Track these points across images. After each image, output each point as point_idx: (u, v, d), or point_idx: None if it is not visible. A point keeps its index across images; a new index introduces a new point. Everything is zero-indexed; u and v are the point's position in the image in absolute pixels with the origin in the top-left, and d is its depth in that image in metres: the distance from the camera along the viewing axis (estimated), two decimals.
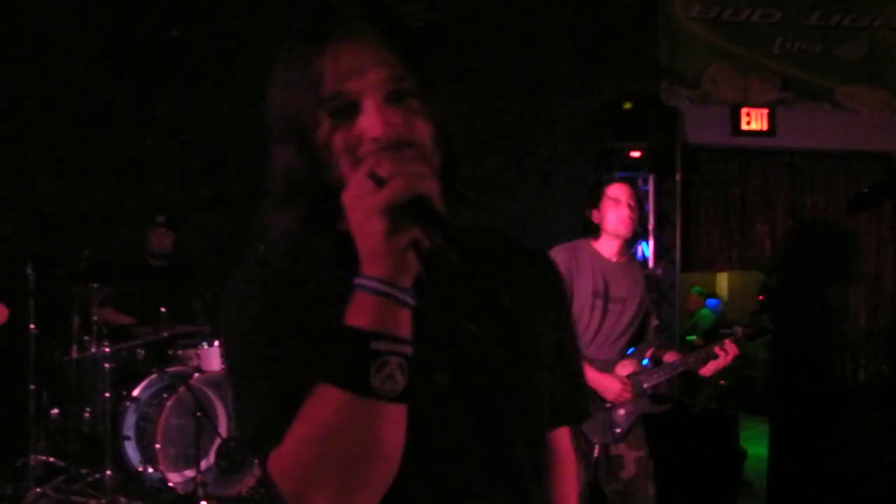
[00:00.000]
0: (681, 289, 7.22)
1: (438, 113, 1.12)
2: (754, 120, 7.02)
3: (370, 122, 1.05)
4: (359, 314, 0.97)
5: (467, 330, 1.12)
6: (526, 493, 1.16)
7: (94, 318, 4.49)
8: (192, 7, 6.31)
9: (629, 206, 3.43)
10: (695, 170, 7.09)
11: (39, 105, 5.81)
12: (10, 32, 5.72)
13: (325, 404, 0.97)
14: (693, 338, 8.46)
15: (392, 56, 1.07)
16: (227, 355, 1.17)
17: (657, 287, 6.79)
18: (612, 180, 3.61)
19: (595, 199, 3.49)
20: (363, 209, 0.96)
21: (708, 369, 3.37)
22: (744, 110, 6.98)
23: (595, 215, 3.49)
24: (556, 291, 1.31)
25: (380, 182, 0.96)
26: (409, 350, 0.98)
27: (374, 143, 1.04)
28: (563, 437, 1.35)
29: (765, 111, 7.00)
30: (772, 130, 7.01)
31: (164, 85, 6.19)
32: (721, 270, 7.37)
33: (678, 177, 6.90)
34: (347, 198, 0.99)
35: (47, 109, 5.83)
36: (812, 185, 7.30)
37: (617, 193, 3.44)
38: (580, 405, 1.36)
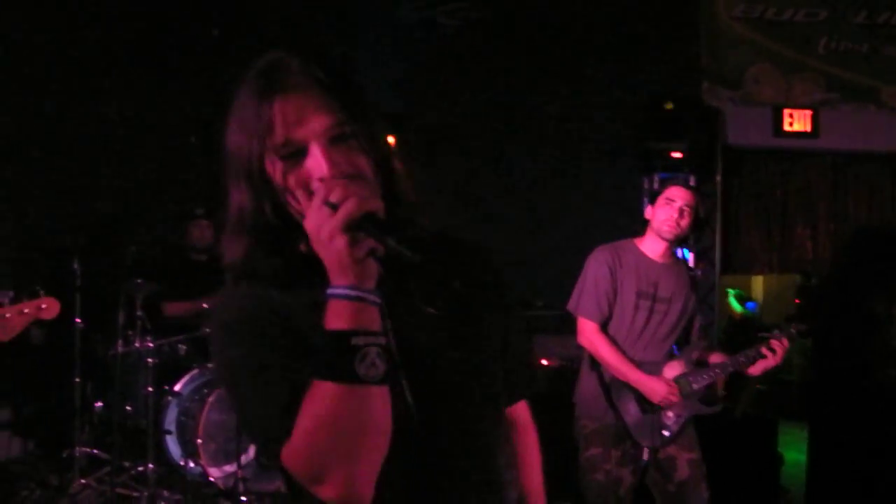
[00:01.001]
0: (725, 296, 7.17)
1: (377, 147, 1.27)
2: (797, 121, 6.93)
3: (317, 163, 1.21)
4: (337, 318, 1.16)
5: (426, 314, 1.30)
6: (494, 460, 1.35)
7: (139, 313, 4.53)
8: (235, 6, 6.36)
9: (680, 209, 3.38)
10: (736, 171, 7.02)
11: (85, 103, 5.88)
12: (57, 32, 5.80)
13: (322, 397, 1.15)
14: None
15: (332, 104, 1.23)
16: (222, 376, 1.30)
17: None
18: (674, 181, 3.54)
19: (654, 196, 3.49)
20: (325, 231, 1.15)
21: (757, 369, 3.33)
22: (786, 111, 6.90)
23: (649, 211, 3.48)
24: (498, 280, 1.49)
25: (334, 207, 1.14)
26: (383, 340, 1.18)
27: (322, 182, 1.20)
28: (521, 411, 1.56)
29: (808, 112, 6.91)
30: (815, 132, 6.92)
31: (205, 82, 6.25)
32: (761, 273, 7.27)
33: (718, 178, 6.84)
34: (309, 225, 1.17)
35: (92, 108, 5.91)
36: (856, 188, 7.19)
37: (673, 194, 3.40)
38: (531, 382, 1.56)
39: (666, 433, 3.33)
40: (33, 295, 2.81)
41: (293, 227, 1.25)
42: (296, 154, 1.23)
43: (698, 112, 6.52)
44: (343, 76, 1.26)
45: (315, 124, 1.22)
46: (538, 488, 1.55)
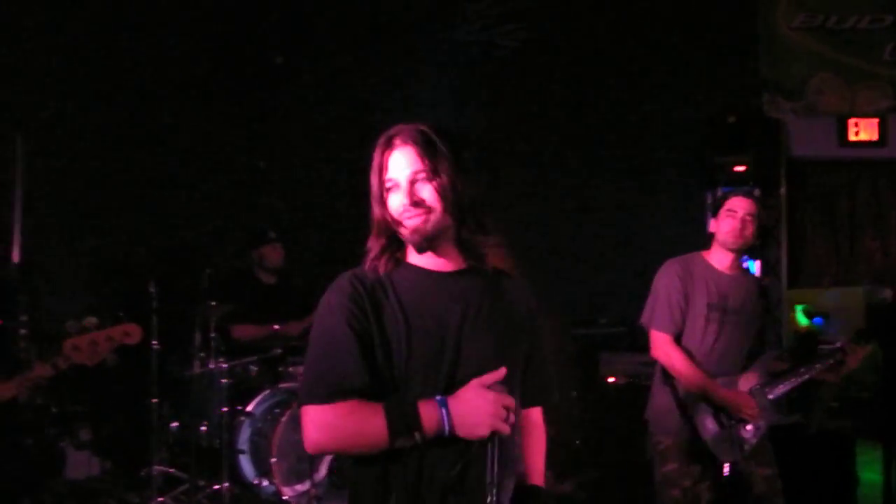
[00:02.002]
0: (792, 310, 7.02)
1: (447, 185, 1.76)
2: (863, 130, 6.81)
3: (399, 200, 1.79)
4: (427, 417, 1.67)
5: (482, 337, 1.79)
6: (507, 446, 1.76)
7: (213, 335, 4.64)
8: (297, 34, 6.52)
9: (743, 219, 3.37)
10: (800, 183, 6.91)
11: (158, 133, 6.08)
12: (127, 64, 6.01)
13: (372, 425, 1.66)
14: None
15: (418, 157, 1.77)
16: (311, 336, 1.79)
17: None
18: (735, 192, 3.54)
19: (716, 208, 3.48)
20: (483, 422, 1.66)
21: (835, 375, 3.28)
22: (851, 121, 6.79)
23: (713, 225, 3.48)
24: (531, 309, 1.95)
25: (508, 415, 1.70)
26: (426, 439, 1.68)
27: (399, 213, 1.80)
28: (535, 413, 2.03)
29: (874, 121, 6.79)
30: (882, 140, 6.78)
31: (271, 109, 6.42)
32: (828, 286, 7.12)
33: (783, 190, 6.74)
34: (472, 397, 1.70)
35: (165, 137, 6.10)
36: None
37: (735, 205, 3.40)
38: (545, 393, 2.00)
39: (745, 447, 3.29)
40: (117, 321, 2.90)
41: (390, 233, 1.84)
42: (394, 185, 1.81)
43: (761, 125, 6.48)
44: (432, 144, 1.77)
45: (405, 170, 1.78)
46: (539, 468, 2.00)
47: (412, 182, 1.76)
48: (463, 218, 1.80)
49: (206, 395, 4.77)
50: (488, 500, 1.66)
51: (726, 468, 3.30)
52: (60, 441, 5.04)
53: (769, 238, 6.65)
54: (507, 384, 1.71)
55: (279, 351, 4.89)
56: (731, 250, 3.41)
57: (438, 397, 1.67)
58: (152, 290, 4.51)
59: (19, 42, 5.55)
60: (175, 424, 4.88)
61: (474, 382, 1.68)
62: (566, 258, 6.74)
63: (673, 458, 3.34)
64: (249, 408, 4.71)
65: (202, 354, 4.82)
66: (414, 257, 1.83)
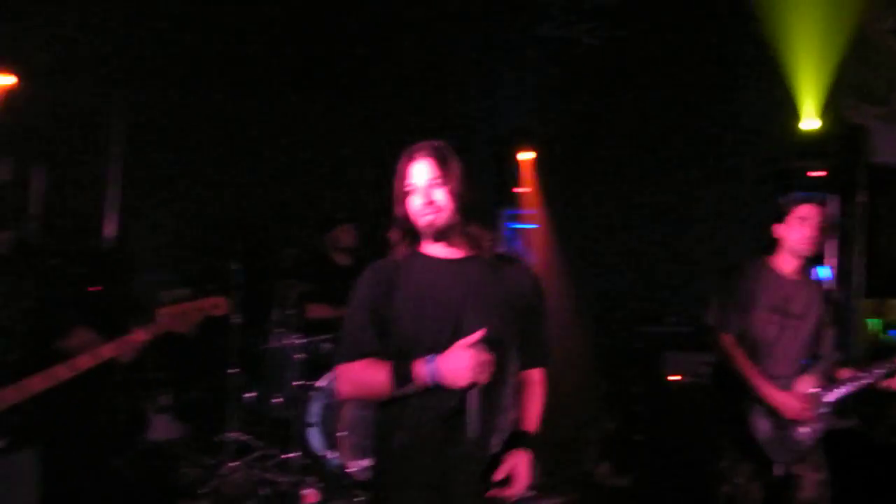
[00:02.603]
0: (862, 316, 6.90)
1: (456, 190, 2.24)
2: None
3: (417, 201, 2.25)
4: (420, 371, 2.11)
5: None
6: (498, 393, 2.21)
7: (291, 311, 4.88)
8: (380, 27, 6.72)
9: (816, 227, 3.40)
10: (882, 191, 6.76)
11: (243, 120, 6.37)
12: (219, 51, 6.30)
13: (380, 376, 2.13)
14: None
15: (434, 167, 2.24)
16: (348, 308, 2.31)
17: (836, 313, 6.53)
18: (803, 199, 3.52)
19: (781, 214, 3.48)
20: (462, 371, 2.06)
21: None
22: None
23: (777, 230, 3.49)
24: (534, 288, 2.37)
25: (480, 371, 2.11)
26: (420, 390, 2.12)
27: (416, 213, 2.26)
28: (535, 373, 2.41)
29: None
30: None
31: (351, 100, 6.64)
32: None
33: (862, 198, 6.61)
34: (456, 354, 2.12)
35: (250, 124, 6.39)
36: None
37: (806, 213, 3.42)
38: (542, 357, 2.42)
39: (798, 449, 3.33)
40: (207, 293, 3.13)
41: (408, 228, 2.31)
42: (411, 192, 2.27)
43: (841, 130, 6.37)
44: (445, 158, 2.25)
45: (423, 176, 2.25)
46: (533, 417, 2.35)
47: (429, 187, 2.22)
48: (468, 215, 2.26)
49: (280, 369, 5.02)
50: (468, 431, 2.10)
51: (777, 469, 3.35)
52: (143, 405, 5.37)
53: (846, 246, 6.56)
54: (494, 346, 2.11)
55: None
56: (802, 257, 3.45)
57: (429, 356, 2.09)
58: (234, 267, 4.76)
59: (119, 29, 5.88)
60: (250, 395, 5.14)
61: (457, 343, 2.08)
62: (635, 257, 6.79)
63: (726, 455, 3.42)
64: (321, 383, 4.94)
65: (279, 330, 5.07)
66: (427, 247, 2.30)
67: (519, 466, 2.23)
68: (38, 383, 2.81)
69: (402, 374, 2.11)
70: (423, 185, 2.24)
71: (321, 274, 5.39)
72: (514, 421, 2.32)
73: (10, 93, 4.96)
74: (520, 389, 2.36)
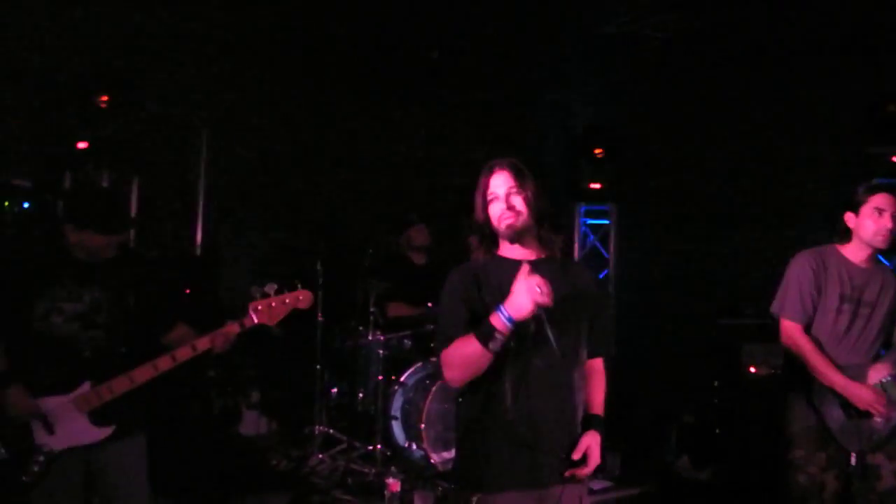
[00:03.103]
0: None
1: (531, 197, 2.52)
2: None
3: (498, 206, 2.53)
4: (495, 320, 2.31)
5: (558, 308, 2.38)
6: (570, 378, 2.49)
7: (372, 309, 5.08)
8: (452, 30, 6.88)
9: (892, 218, 3.38)
10: None
11: (322, 124, 6.66)
12: (301, 63, 6.56)
13: (470, 345, 2.33)
14: None
15: (511, 178, 2.53)
16: (440, 305, 2.54)
17: None
18: (879, 188, 3.49)
19: (856, 203, 3.47)
20: (526, 297, 2.28)
21: None
22: None
23: (850, 219, 3.48)
24: (593, 285, 2.68)
25: (541, 293, 2.30)
26: (509, 339, 2.33)
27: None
28: (597, 363, 2.66)
29: None
30: None
31: (425, 101, 6.82)
32: None
33: None
34: (519, 285, 2.31)
35: (329, 128, 6.65)
36: None
37: (882, 203, 3.40)
38: (606, 347, 2.68)
39: (874, 438, 3.34)
40: (293, 288, 3.32)
41: (490, 235, 2.58)
42: (494, 198, 2.53)
43: None
44: (521, 170, 2.54)
45: (503, 188, 2.53)
46: (598, 402, 2.61)
47: (508, 195, 2.51)
48: (541, 220, 2.55)
49: (363, 365, 5.23)
50: (552, 346, 2.36)
51: (854, 458, 3.36)
52: (236, 400, 5.65)
53: None
54: (569, 332, 2.47)
55: (431, 327, 5.28)
56: (874, 248, 3.44)
57: (498, 306, 2.34)
58: (319, 268, 4.99)
59: (205, 41, 6.19)
60: (335, 390, 5.37)
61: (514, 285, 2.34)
62: (716, 249, 6.76)
63: (800, 445, 3.44)
64: (402, 378, 5.12)
65: (361, 328, 5.28)
66: (504, 250, 2.58)
67: (593, 446, 2.47)
68: (143, 374, 3.08)
69: (484, 332, 2.31)
70: (503, 193, 2.52)
71: (398, 273, 5.58)
72: (584, 405, 2.56)
73: (106, 108, 5.29)
74: (587, 376, 2.61)
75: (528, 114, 7.13)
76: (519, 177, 2.53)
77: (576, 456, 2.43)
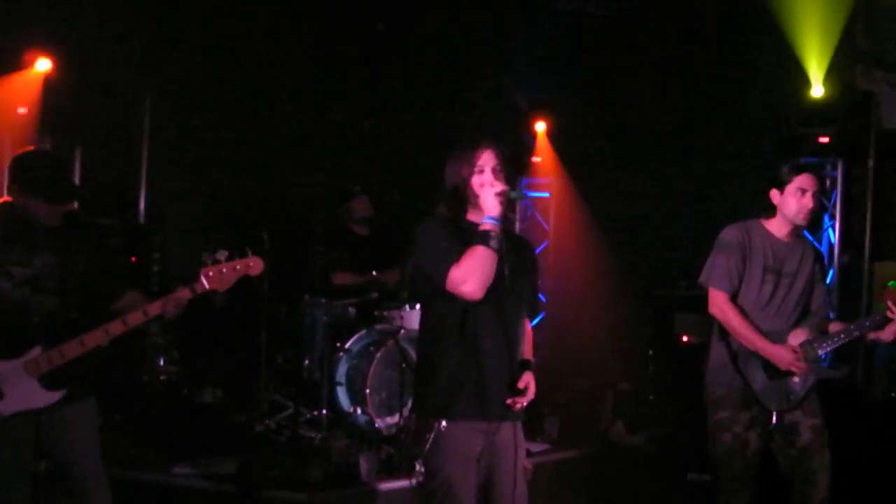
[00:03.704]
0: (874, 281, 7.06)
1: (509, 172, 2.87)
2: None
3: (490, 177, 2.80)
4: (486, 226, 2.70)
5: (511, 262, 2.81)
6: (518, 340, 2.86)
7: (318, 278, 5.16)
8: (400, 4, 6.95)
9: (813, 197, 3.60)
10: (890, 156, 6.90)
11: (272, 95, 6.67)
12: (244, 32, 6.54)
13: (475, 251, 2.66)
14: None
15: (497, 155, 2.84)
16: (421, 249, 2.79)
17: (843, 276, 6.75)
18: (803, 168, 3.70)
19: (781, 182, 3.66)
20: (491, 195, 2.72)
21: (887, 333, 3.51)
22: None
23: (775, 196, 3.68)
24: (534, 257, 3.11)
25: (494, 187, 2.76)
26: (499, 236, 2.71)
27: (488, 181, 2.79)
28: (527, 322, 2.98)
29: None
30: None
31: (372, 74, 6.88)
32: None
33: (870, 163, 6.76)
34: (484, 195, 2.74)
35: (278, 100, 6.69)
36: None
37: (805, 183, 3.61)
38: (533, 312, 3.00)
39: (792, 397, 3.58)
40: (243, 255, 3.36)
41: (462, 201, 2.85)
42: (480, 171, 2.82)
43: (849, 96, 6.52)
44: (503, 148, 2.87)
45: (491, 161, 2.83)
46: (529, 351, 2.98)
47: (494, 170, 2.82)
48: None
49: (308, 333, 5.32)
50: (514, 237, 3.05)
51: (773, 417, 3.60)
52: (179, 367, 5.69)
53: (853, 210, 6.73)
54: (515, 294, 2.82)
55: (375, 295, 5.39)
56: (797, 225, 3.67)
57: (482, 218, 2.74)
58: (265, 236, 5.03)
59: (153, 14, 6.14)
60: (281, 358, 5.45)
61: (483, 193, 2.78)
62: (651, 223, 7.01)
63: (725, 406, 3.66)
64: (347, 345, 5.23)
65: (306, 296, 5.36)
66: (472, 215, 2.85)
67: (530, 382, 2.83)
68: (95, 338, 3.09)
69: (481, 238, 2.69)
70: (490, 168, 2.81)
71: (342, 243, 5.67)
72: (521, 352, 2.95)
73: (49, 76, 5.24)
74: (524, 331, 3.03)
75: (472, 88, 7.24)
76: (502, 157, 2.86)
77: (521, 385, 2.78)
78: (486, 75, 7.03)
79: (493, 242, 2.70)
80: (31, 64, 5.43)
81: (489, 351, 2.78)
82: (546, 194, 7.64)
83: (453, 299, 2.74)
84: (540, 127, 7.41)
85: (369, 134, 6.87)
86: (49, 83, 5.36)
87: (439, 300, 2.80)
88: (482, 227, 2.72)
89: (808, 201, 3.61)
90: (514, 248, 2.89)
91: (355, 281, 5.56)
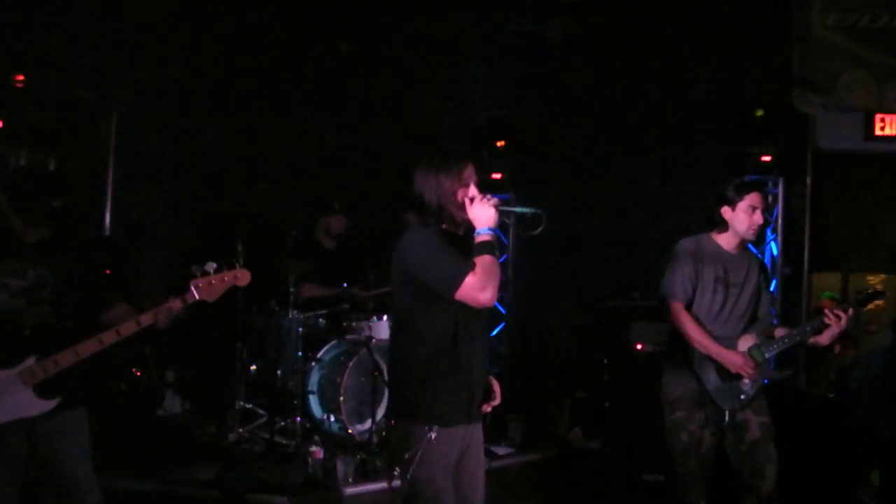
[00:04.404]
0: (813, 293, 7.49)
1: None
2: (889, 125, 7.20)
3: (474, 191, 2.87)
4: (484, 237, 2.81)
5: None
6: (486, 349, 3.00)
7: (291, 289, 5.31)
8: (361, 24, 7.16)
9: (761, 214, 3.92)
10: (826, 174, 7.35)
11: (243, 112, 6.83)
12: (214, 51, 6.69)
13: (487, 260, 2.77)
14: None
15: (477, 169, 2.91)
16: (424, 258, 2.80)
17: (784, 286, 7.16)
18: (753, 187, 4.00)
19: (731, 200, 3.95)
20: (485, 209, 2.82)
21: (824, 338, 3.85)
22: (878, 116, 7.17)
23: (726, 212, 3.98)
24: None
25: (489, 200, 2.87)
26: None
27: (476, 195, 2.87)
28: None
29: None
30: None
31: (335, 92, 7.08)
32: (849, 272, 7.58)
33: (808, 181, 7.19)
34: (476, 207, 2.83)
35: (249, 117, 6.86)
36: None
37: (755, 201, 3.91)
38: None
39: (743, 398, 3.88)
40: (231, 266, 3.48)
41: (448, 214, 2.89)
42: (466, 186, 2.87)
43: (789, 118, 6.93)
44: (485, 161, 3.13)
45: (474, 175, 2.90)
46: None
47: (477, 185, 2.93)
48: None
49: (281, 343, 5.46)
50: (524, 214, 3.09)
51: (726, 416, 3.89)
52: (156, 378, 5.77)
53: (793, 224, 7.15)
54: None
55: (347, 306, 5.58)
56: (746, 240, 3.98)
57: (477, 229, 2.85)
58: (239, 248, 5.16)
59: (117, 23, 6.22)
60: (253, 367, 5.58)
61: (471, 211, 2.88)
62: (609, 238, 7.31)
63: (681, 407, 3.95)
64: (319, 354, 5.40)
65: (278, 307, 5.52)
66: (451, 227, 2.93)
67: (497, 386, 3.09)
68: (89, 348, 3.16)
69: (485, 248, 2.79)
70: (474, 182, 2.89)
71: (311, 256, 5.81)
72: None
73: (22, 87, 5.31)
74: None
75: (435, 106, 7.48)
76: (481, 172, 2.96)
77: (496, 390, 3.06)
78: (451, 94, 7.28)
79: (496, 252, 2.82)
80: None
81: (473, 358, 2.90)
82: (509, 209, 7.87)
83: (447, 308, 2.81)
84: (501, 144, 7.66)
85: (338, 151, 7.06)
86: (23, 94, 5.41)
87: (435, 309, 2.83)
88: (482, 238, 2.82)
89: (758, 218, 3.92)
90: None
91: (325, 293, 5.73)
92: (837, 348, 6.19)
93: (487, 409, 2.99)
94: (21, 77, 5.33)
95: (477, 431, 2.98)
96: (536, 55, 7.33)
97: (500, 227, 7.57)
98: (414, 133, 7.21)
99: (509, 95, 7.31)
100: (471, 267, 2.77)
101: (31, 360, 3.13)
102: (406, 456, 2.79)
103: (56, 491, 3.30)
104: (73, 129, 6.13)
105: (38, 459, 3.23)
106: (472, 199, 2.86)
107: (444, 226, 2.92)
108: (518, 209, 2.97)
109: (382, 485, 4.44)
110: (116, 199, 6.39)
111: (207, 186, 6.67)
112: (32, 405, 3.15)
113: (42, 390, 3.15)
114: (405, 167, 3.02)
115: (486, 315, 2.98)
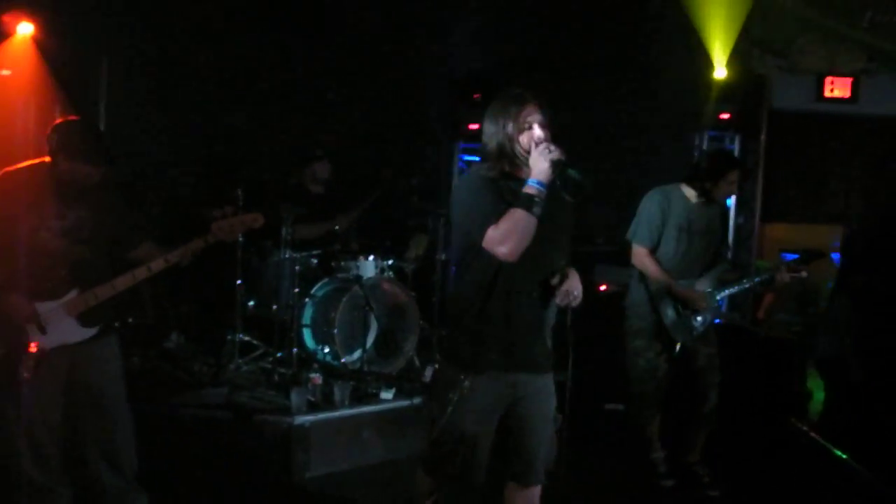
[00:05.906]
0: (763, 241, 8.06)
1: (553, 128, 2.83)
2: (838, 88, 7.68)
3: (539, 133, 2.79)
4: (531, 189, 2.69)
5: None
6: (549, 301, 2.91)
7: (289, 230, 5.67)
8: None
9: (739, 187, 4.46)
10: (779, 133, 7.85)
11: (242, 72, 7.11)
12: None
13: (517, 214, 2.66)
14: None
15: (541, 109, 2.83)
16: (461, 205, 2.84)
17: (738, 235, 7.72)
18: (733, 165, 4.50)
19: (716, 176, 4.41)
20: (543, 159, 2.70)
21: (770, 290, 4.43)
22: (828, 79, 7.65)
23: (707, 183, 4.44)
24: (572, 219, 3.00)
25: (549, 152, 2.73)
26: (543, 202, 2.70)
27: (540, 139, 2.77)
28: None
29: (849, 80, 7.65)
30: (854, 98, 7.67)
31: (325, 40, 7.32)
32: (797, 222, 8.14)
33: (763, 138, 7.70)
34: (536, 155, 2.73)
35: (248, 74, 7.13)
36: (892, 150, 7.95)
37: (735, 177, 4.46)
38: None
39: (695, 332, 4.45)
40: (247, 210, 3.85)
41: (511, 158, 2.83)
42: (529, 127, 2.80)
43: (746, 79, 7.39)
44: (546, 105, 2.84)
45: (537, 116, 2.82)
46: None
47: (542, 126, 2.82)
48: None
49: (277, 281, 5.87)
50: (580, 180, 2.78)
51: (678, 347, 4.46)
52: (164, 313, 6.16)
53: (747, 179, 7.67)
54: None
55: (338, 247, 6.01)
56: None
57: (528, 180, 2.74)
58: (239, 193, 5.51)
59: None
60: (251, 304, 5.98)
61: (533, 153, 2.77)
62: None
63: (641, 336, 4.52)
64: (312, 291, 5.82)
65: (274, 248, 5.91)
66: (521, 172, 2.83)
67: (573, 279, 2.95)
68: (124, 282, 3.54)
69: (524, 202, 2.66)
70: (538, 123, 2.78)
71: (301, 200, 6.18)
72: None
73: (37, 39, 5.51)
74: None
75: (413, 57, 7.75)
76: (546, 114, 2.82)
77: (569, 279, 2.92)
78: (426, 48, 7.54)
79: (535, 209, 2.64)
80: (12, 30, 5.67)
81: (520, 309, 2.80)
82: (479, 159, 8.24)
83: (488, 257, 2.71)
84: (477, 96, 7.97)
85: (325, 99, 7.35)
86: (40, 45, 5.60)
87: (474, 256, 2.78)
88: (527, 191, 2.65)
89: (735, 188, 4.51)
90: (557, 209, 2.79)
91: (314, 233, 6.14)
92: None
93: (557, 295, 2.86)
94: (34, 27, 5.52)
95: (534, 383, 2.93)
96: (515, 8, 7.58)
97: None
98: (393, 84, 7.52)
99: (488, 49, 7.61)
100: (495, 218, 2.66)
101: (73, 293, 3.47)
102: (438, 397, 2.86)
103: (94, 412, 3.60)
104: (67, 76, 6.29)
105: (79, 380, 3.56)
106: (537, 144, 2.72)
107: (506, 168, 2.81)
108: (572, 171, 2.70)
109: (374, 407, 4.99)
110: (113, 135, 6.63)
111: (205, 131, 6.94)
112: (75, 332, 3.49)
113: (84, 319, 3.51)
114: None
115: (553, 264, 2.82)
